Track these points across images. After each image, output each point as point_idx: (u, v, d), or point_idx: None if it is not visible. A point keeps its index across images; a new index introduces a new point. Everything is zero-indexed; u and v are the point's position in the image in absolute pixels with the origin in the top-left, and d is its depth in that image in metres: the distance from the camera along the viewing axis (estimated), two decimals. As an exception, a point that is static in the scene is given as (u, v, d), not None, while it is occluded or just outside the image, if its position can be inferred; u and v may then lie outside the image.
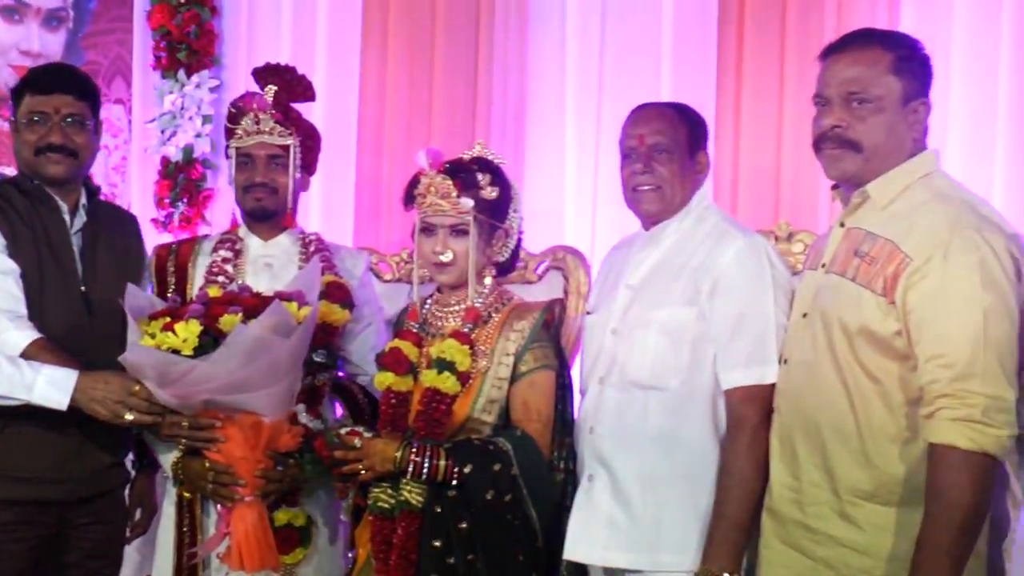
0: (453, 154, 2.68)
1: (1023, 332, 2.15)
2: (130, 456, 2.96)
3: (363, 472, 2.51)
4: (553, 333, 2.66)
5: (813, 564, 2.28)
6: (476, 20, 4.04)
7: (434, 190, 2.57)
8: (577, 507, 2.55)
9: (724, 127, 3.76)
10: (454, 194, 2.56)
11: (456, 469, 2.46)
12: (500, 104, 4.01)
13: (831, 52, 2.32)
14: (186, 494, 2.68)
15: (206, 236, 3.11)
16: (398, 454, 2.47)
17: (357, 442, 2.50)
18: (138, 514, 2.99)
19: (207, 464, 2.59)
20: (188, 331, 2.47)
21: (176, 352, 2.47)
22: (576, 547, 2.53)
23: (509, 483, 2.47)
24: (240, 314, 2.51)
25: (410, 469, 2.46)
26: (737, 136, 3.77)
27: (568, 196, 3.93)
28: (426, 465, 2.46)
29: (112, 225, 2.92)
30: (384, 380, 2.60)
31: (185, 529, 2.70)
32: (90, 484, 2.79)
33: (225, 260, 2.85)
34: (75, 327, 2.74)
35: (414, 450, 2.46)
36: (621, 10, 3.89)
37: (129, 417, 2.58)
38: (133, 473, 2.98)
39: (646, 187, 2.55)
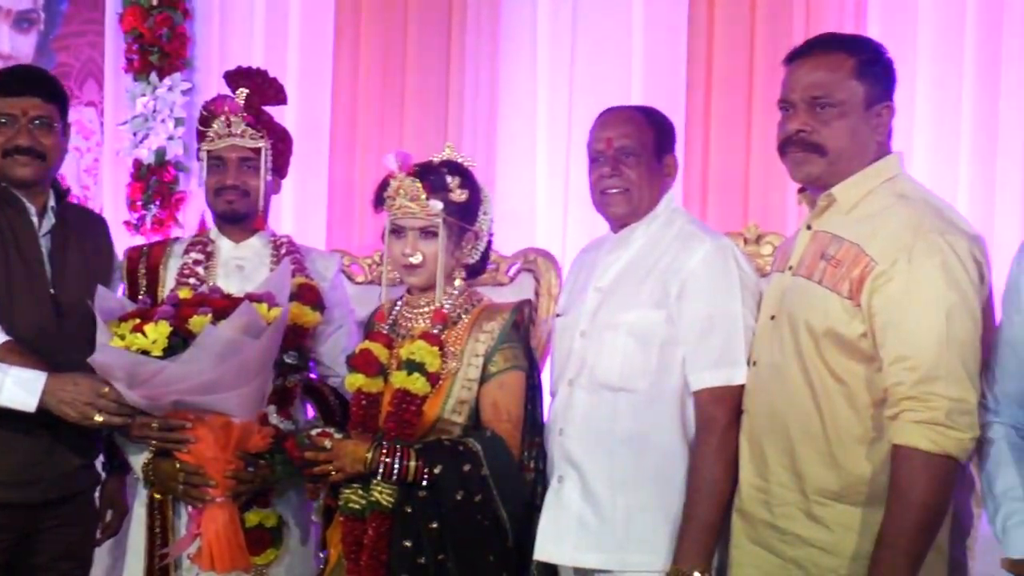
0: (425, 157, 2.68)
1: (986, 335, 2.18)
2: (100, 458, 2.95)
3: (334, 473, 2.51)
4: (523, 334, 2.67)
5: (782, 563, 2.30)
6: (448, 24, 4.07)
7: (403, 192, 2.58)
8: (547, 508, 2.56)
9: (694, 130, 3.80)
10: (423, 196, 2.57)
11: (426, 470, 2.46)
12: (471, 108, 4.04)
13: (795, 57, 2.34)
14: (157, 495, 2.68)
15: (177, 239, 3.11)
16: (369, 455, 2.47)
17: (327, 443, 2.50)
18: (109, 515, 2.98)
19: (178, 465, 2.59)
20: (158, 332, 2.47)
21: (145, 353, 2.48)
22: (546, 547, 2.54)
23: (479, 483, 2.48)
24: (210, 315, 2.52)
25: (380, 470, 2.47)
26: (707, 139, 3.82)
27: (539, 198, 3.96)
28: (396, 466, 2.46)
29: (81, 227, 2.91)
30: (354, 381, 2.60)
31: (156, 530, 2.70)
32: (59, 487, 2.78)
33: (196, 262, 2.85)
34: (44, 329, 2.73)
35: (384, 451, 2.47)
36: (592, 15, 3.93)
37: (98, 419, 2.58)
38: (103, 475, 2.97)
39: (614, 190, 2.56)
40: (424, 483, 2.47)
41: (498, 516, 2.51)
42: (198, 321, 2.50)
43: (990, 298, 2.22)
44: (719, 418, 2.43)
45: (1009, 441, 2.14)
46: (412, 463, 2.47)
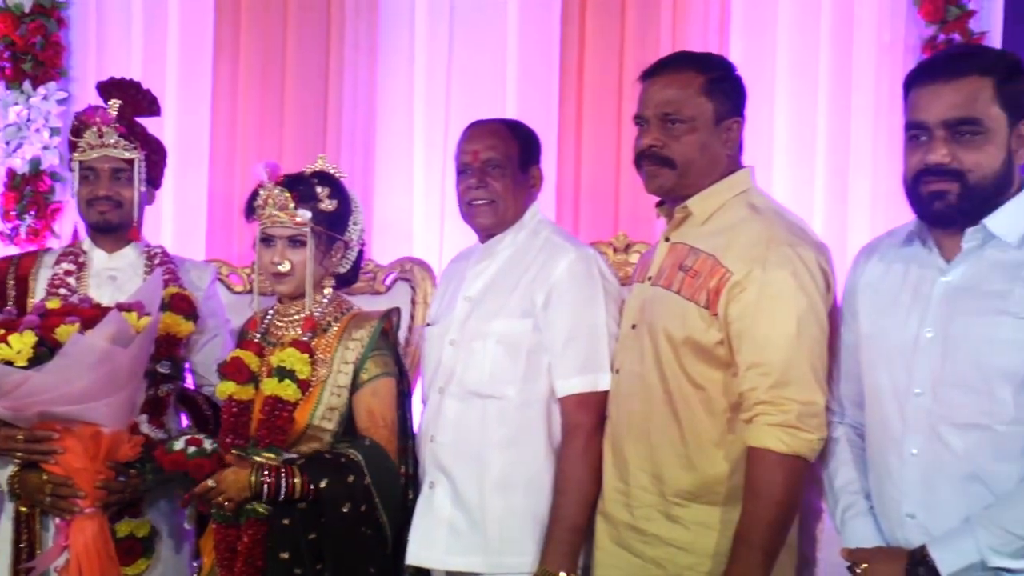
0: (303, 168, 2.71)
1: (832, 341, 2.28)
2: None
3: (224, 503, 2.49)
4: (391, 341, 2.71)
5: (643, 564, 2.37)
6: (327, 37, 4.07)
7: (272, 202, 2.60)
8: (419, 513, 2.60)
9: (566, 143, 3.88)
10: (291, 206, 2.59)
11: (311, 485, 2.48)
12: (350, 119, 4.05)
13: (649, 75, 2.42)
14: (23, 508, 2.63)
15: (49, 249, 3.08)
16: (252, 479, 2.47)
17: (211, 483, 2.48)
18: (-26, 530, 2.92)
19: (45, 477, 2.55)
20: (22, 342, 2.45)
21: (9, 363, 2.44)
22: (417, 552, 2.58)
23: (363, 493, 2.50)
24: (78, 324, 2.49)
25: (265, 491, 2.47)
26: (578, 151, 3.89)
27: (416, 209, 3.99)
28: (282, 484, 2.47)
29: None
30: (226, 389, 2.61)
31: (22, 545, 2.64)
32: (-79, 502, 2.71)
33: (68, 273, 2.83)
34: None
35: (267, 472, 2.47)
36: (467, 30, 3.98)
37: None
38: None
39: (480, 201, 2.62)
40: (310, 498, 2.48)
41: (380, 524, 2.54)
42: (65, 330, 2.48)
43: (835, 305, 2.32)
44: (584, 423, 2.50)
45: (849, 440, 2.26)
46: (297, 480, 2.48)
